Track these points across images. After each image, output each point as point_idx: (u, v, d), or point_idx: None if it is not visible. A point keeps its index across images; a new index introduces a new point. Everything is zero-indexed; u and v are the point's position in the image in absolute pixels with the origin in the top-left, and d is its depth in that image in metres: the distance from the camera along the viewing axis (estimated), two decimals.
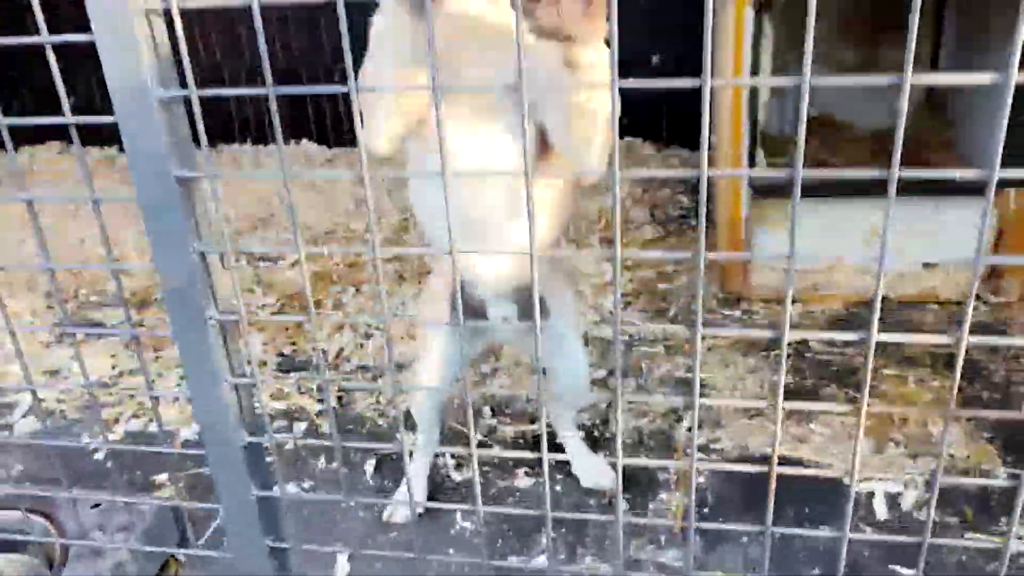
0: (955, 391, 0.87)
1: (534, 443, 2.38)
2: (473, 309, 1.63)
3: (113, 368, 2.82)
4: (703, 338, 2.87)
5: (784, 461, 2.24)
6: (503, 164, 1.29)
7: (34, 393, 1.24)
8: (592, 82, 1.06)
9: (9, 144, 1.00)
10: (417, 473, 2.11)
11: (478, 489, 1.05)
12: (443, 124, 0.78)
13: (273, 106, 0.83)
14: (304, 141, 4.64)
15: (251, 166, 4.45)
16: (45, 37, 0.89)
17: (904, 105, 0.73)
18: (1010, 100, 0.70)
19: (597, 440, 2.36)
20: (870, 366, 0.95)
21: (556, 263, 1.78)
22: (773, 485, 0.95)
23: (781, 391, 0.96)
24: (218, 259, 1.00)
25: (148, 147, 0.90)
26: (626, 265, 3.27)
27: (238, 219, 3.87)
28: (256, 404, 1.14)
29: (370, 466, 2.30)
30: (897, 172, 0.73)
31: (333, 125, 4.62)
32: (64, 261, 3.51)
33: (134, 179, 0.93)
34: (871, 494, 2.10)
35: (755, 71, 2.73)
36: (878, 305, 0.93)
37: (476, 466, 1.04)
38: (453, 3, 1.25)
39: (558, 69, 1.05)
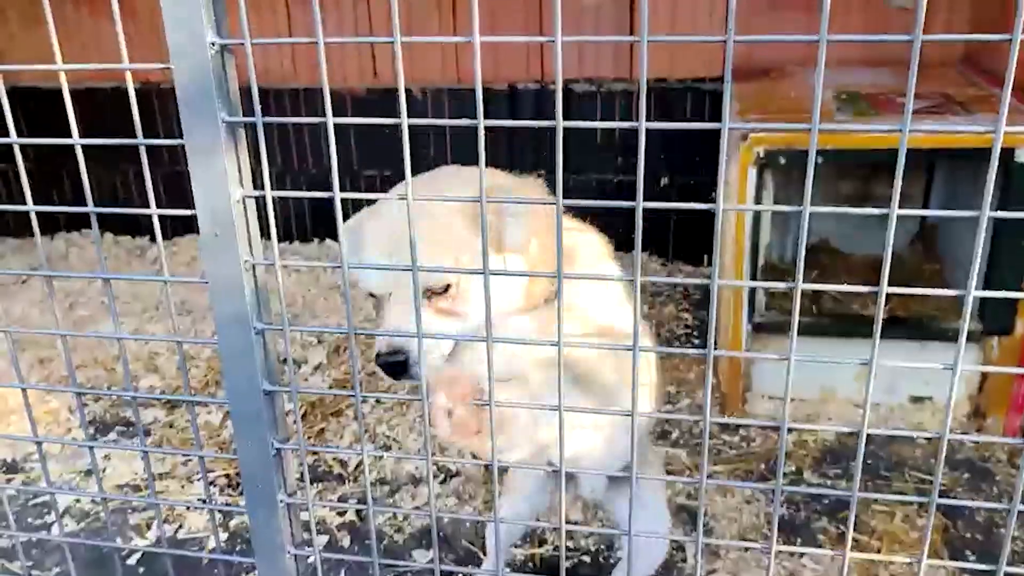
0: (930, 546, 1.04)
1: (541, 566, 2.53)
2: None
3: (144, 470, 2.98)
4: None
5: None
6: None
7: (105, 501, 1.41)
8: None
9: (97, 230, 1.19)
10: None
11: None
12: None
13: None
14: (328, 241, 4.87)
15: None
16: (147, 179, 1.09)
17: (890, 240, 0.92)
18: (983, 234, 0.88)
19: (603, 566, 2.51)
20: (852, 519, 1.14)
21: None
22: None
23: (775, 536, 1.14)
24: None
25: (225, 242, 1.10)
26: None
27: None
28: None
29: None
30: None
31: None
32: (98, 359, 3.69)
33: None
34: None
35: (756, 219, 2.95)
36: (859, 474, 1.11)
37: None
38: None
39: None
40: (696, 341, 3.87)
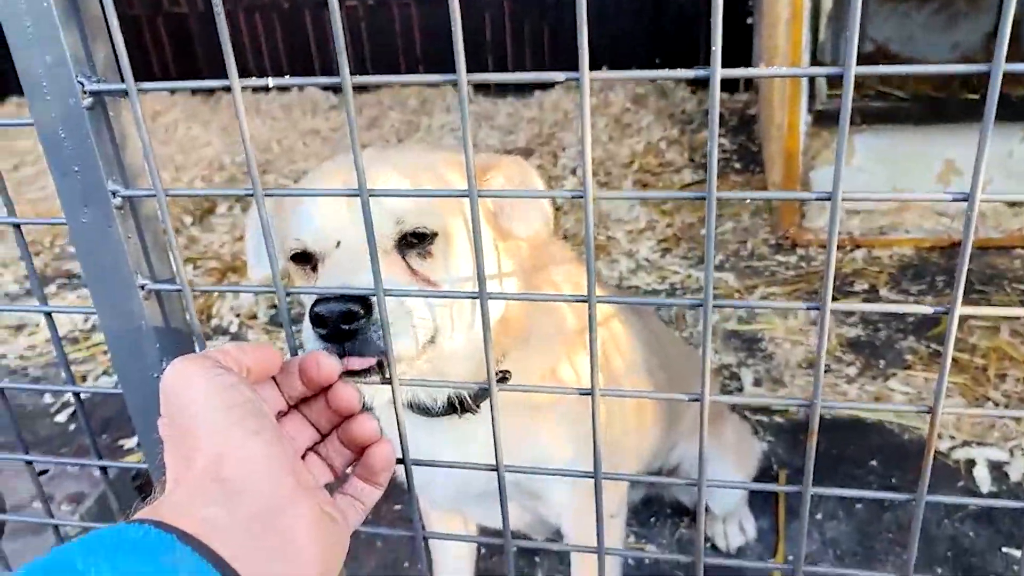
0: None
1: None
2: None
3: (86, 320, 2.51)
4: (756, 286, 2.50)
5: (861, 424, 1.90)
6: None
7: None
8: None
9: None
10: None
11: None
12: None
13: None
14: (309, 87, 4.29)
15: (251, 112, 4.11)
16: None
17: None
18: None
19: None
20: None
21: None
22: None
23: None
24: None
25: None
26: (664, 209, 2.92)
27: (233, 165, 3.54)
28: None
29: None
30: None
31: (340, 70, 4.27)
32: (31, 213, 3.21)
33: None
34: (971, 462, 1.75)
35: (816, 11, 2.35)
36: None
37: None
38: None
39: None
40: (737, 166, 3.31)
